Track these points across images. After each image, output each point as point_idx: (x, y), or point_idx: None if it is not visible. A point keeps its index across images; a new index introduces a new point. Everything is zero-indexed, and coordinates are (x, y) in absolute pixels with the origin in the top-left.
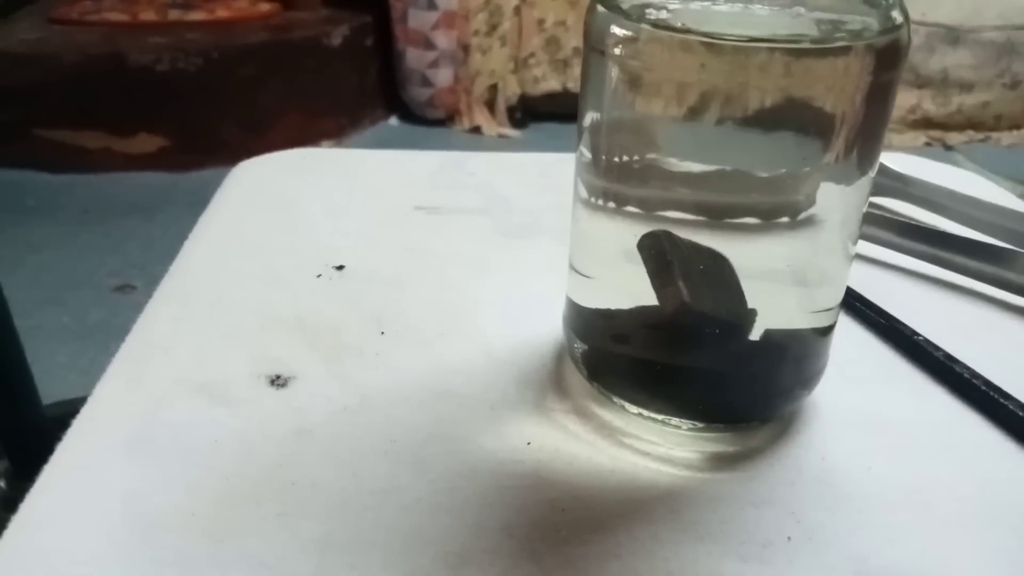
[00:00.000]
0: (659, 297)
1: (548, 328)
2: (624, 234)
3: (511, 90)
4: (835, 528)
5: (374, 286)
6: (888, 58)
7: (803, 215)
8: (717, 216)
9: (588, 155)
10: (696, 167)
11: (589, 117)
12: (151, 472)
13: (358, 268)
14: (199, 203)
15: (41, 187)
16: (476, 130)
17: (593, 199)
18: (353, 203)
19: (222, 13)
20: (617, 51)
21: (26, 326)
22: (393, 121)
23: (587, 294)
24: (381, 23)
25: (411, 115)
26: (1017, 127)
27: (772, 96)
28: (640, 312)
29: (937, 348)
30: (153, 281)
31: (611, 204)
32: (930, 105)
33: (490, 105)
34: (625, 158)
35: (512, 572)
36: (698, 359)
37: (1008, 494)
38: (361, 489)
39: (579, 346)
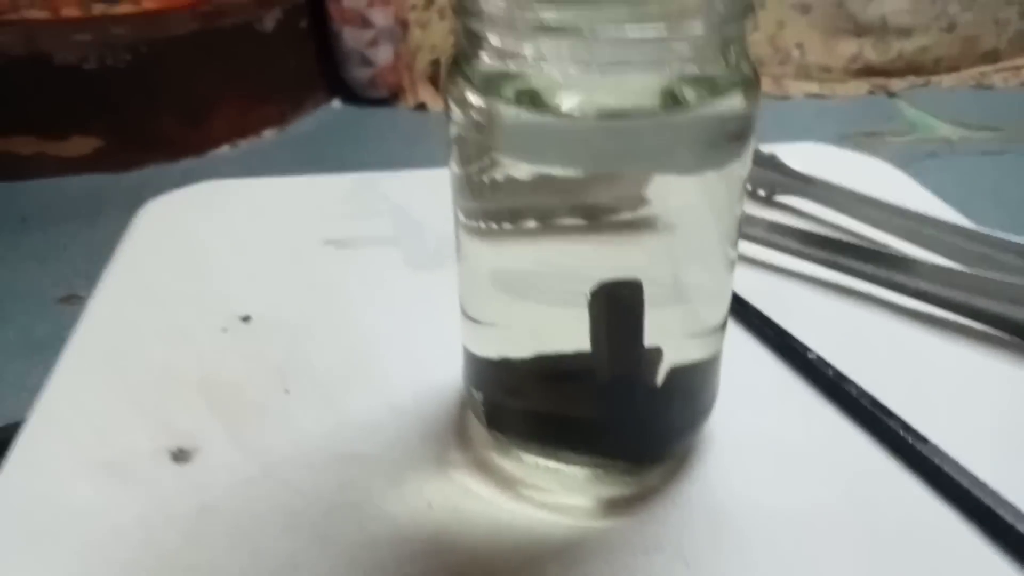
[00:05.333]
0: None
1: (454, 369)
2: (510, 262)
3: None
4: (723, 568)
5: (280, 336)
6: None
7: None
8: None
9: (458, 170)
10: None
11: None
12: (46, 566)
13: (264, 317)
14: (141, 204)
15: None
16: (422, 107)
17: (472, 222)
18: (261, 241)
19: (148, 4)
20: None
21: None
22: (336, 104)
23: (478, 342)
24: (315, 3)
25: (354, 96)
26: (956, 69)
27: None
28: (537, 363)
29: (828, 365)
30: None
31: (490, 225)
32: (871, 53)
33: (434, 81)
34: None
35: None
36: (598, 408)
37: (888, 515)
38: (260, 568)
39: (477, 395)
